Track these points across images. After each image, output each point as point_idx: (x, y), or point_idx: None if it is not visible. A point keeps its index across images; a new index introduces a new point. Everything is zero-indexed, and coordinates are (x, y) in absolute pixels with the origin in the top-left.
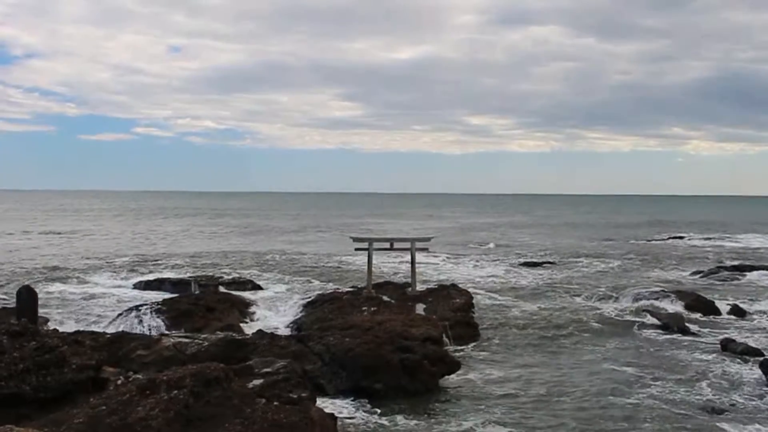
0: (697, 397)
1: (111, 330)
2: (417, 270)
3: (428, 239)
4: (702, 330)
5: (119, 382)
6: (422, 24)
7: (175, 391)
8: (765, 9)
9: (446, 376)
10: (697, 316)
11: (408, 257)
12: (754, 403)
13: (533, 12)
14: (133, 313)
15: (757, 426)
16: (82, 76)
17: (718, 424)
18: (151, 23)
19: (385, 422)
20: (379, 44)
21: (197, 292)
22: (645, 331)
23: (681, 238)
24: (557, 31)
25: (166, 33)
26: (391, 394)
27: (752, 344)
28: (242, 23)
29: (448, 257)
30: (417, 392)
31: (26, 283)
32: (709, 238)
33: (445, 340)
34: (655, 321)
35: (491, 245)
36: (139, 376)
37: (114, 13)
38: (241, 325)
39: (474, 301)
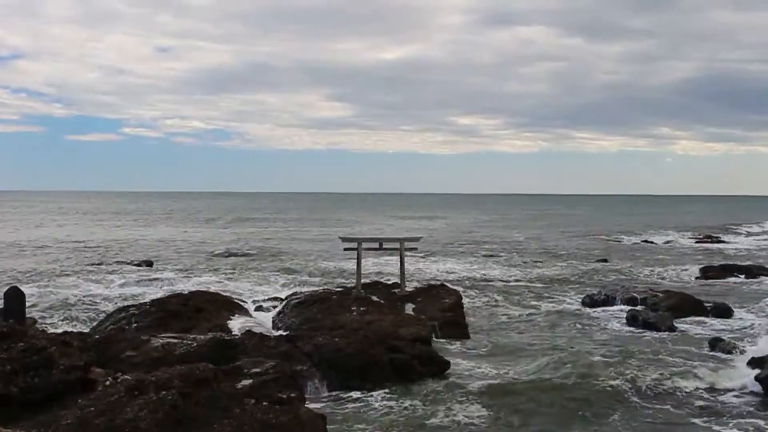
0: (685, 396)
1: (99, 331)
2: (406, 270)
3: (417, 239)
4: (690, 329)
5: (107, 383)
6: (409, 24)
7: (164, 392)
8: (751, 9)
9: (435, 376)
10: (685, 315)
11: (397, 257)
12: (742, 401)
13: (520, 12)
14: (122, 314)
15: (746, 425)
16: (70, 77)
17: (705, 423)
18: (138, 24)
19: (373, 422)
20: (366, 45)
21: (186, 292)
22: (633, 330)
23: (669, 238)
24: (544, 32)
25: (153, 34)
26: (381, 393)
27: (739, 343)
28: (229, 24)
29: (437, 257)
30: (406, 392)
31: (13, 283)
32: (698, 239)
33: (434, 339)
34: (644, 321)
35: (481, 245)
36: (128, 377)
37: (100, 13)
38: (230, 325)
39: (463, 300)
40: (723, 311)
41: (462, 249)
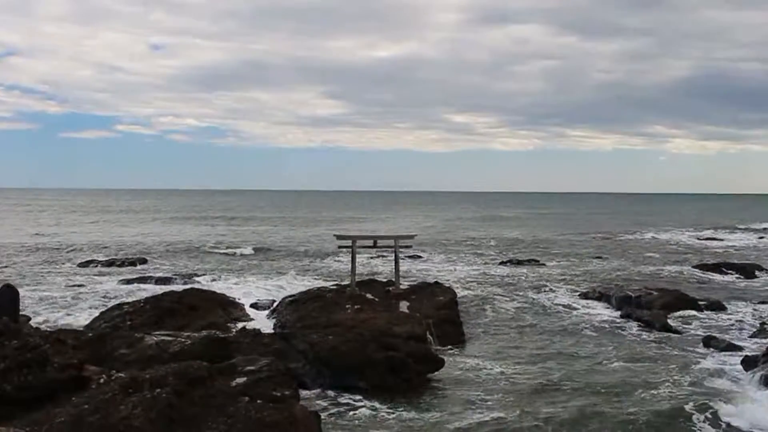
0: (680, 395)
1: (93, 329)
2: (400, 268)
3: (412, 237)
4: (684, 327)
5: (101, 380)
6: (404, 22)
7: (158, 390)
8: (745, 8)
9: (430, 374)
10: (680, 313)
11: (392, 255)
12: (736, 398)
13: (514, 11)
14: (116, 312)
15: (742, 423)
16: (64, 74)
17: (701, 421)
18: (132, 21)
19: (369, 420)
20: (361, 42)
21: (180, 290)
22: (628, 329)
23: (663, 236)
24: (538, 30)
25: (148, 31)
26: (375, 391)
27: (733, 341)
28: (224, 21)
29: (431, 255)
30: (401, 390)
31: (6, 281)
32: (692, 236)
33: (429, 337)
34: (638, 319)
35: (475, 243)
36: (122, 374)
37: (94, 11)
38: (225, 323)
39: (458, 298)
40: (717, 309)
41: (456, 247)
